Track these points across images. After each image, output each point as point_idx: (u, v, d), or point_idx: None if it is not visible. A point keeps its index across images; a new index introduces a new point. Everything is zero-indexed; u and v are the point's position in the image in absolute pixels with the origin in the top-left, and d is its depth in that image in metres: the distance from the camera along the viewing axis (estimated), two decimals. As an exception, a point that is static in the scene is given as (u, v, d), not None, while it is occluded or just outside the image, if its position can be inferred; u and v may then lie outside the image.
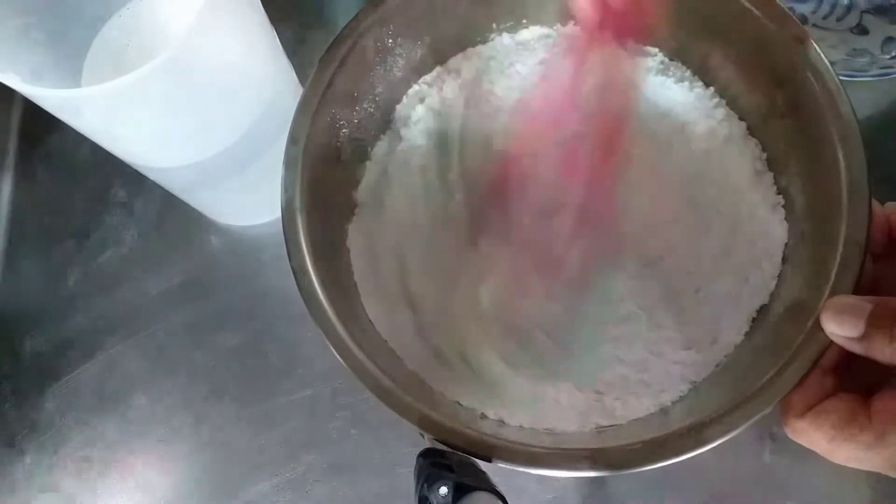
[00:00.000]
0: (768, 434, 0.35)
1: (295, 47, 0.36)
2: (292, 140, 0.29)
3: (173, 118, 0.29)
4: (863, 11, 0.42)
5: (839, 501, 0.35)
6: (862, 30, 0.41)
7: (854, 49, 0.40)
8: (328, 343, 0.26)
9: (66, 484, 0.39)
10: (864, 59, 0.40)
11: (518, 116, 0.34)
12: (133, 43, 0.34)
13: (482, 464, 0.25)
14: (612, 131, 0.31)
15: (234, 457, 0.38)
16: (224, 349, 0.40)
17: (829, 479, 0.35)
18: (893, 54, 0.40)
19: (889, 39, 0.40)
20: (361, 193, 0.33)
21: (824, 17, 0.42)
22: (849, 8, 0.42)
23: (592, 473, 0.24)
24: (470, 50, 0.35)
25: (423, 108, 0.34)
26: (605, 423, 0.28)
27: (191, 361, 0.40)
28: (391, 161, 0.34)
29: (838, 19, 0.42)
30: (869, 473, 0.34)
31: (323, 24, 0.46)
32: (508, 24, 0.35)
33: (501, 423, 0.28)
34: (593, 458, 0.24)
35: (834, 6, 0.42)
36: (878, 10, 0.42)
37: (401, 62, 0.33)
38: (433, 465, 0.25)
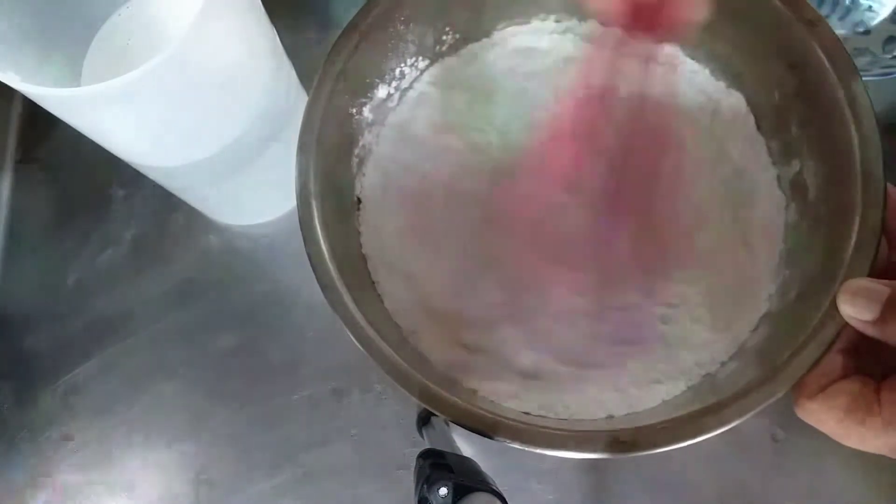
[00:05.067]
0: (770, 435, 0.35)
1: (295, 47, 0.36)
2: (306, 126, 0.29)
3: (173, 117, 0.29)
4: (865, 10, 0.42)
5: (842, 502, 0.35)
6: (863, 29, 0.41)
7: (855, 48, 0.40)
8: (348, 332, 0.26)
9: (64, 484, 0.38)
10: (865, 59, 0.40)
11: (542, 115, 0.34)
12: (133, 42, 0.34)
13: (482, 465, 0.25)
14: (652, 148, 0.31)
15: (233, 457, 0.38)
16: (223, 349, 0.40)
17: (832, 480, 0.34)
18: (895, 54, 0.39)
19: (890, 39, 0.40)
20: (373, 179, 0.33)
21: (825, 17, 0.42)
22: (850, 7, 0.42)
23: (609, 455, 0.23)
24: (485, 39, 0.35)
25: (436, 94, 0.34)
26: (620, 411, 0.28)
27: (190, 361, 0.40)
28: (403, 148, 0.34)
29: (840, 18, 0.42)
30: (872, 474, 0.34)
31: (323, 23, 0.46)
32: (523, 13, 0.34)
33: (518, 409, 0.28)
34: (610, 438, 0.23)
35: (835, 5, 0.42)
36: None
37: (413, 48, 0.33)
38: (433, 466, 0.25)
